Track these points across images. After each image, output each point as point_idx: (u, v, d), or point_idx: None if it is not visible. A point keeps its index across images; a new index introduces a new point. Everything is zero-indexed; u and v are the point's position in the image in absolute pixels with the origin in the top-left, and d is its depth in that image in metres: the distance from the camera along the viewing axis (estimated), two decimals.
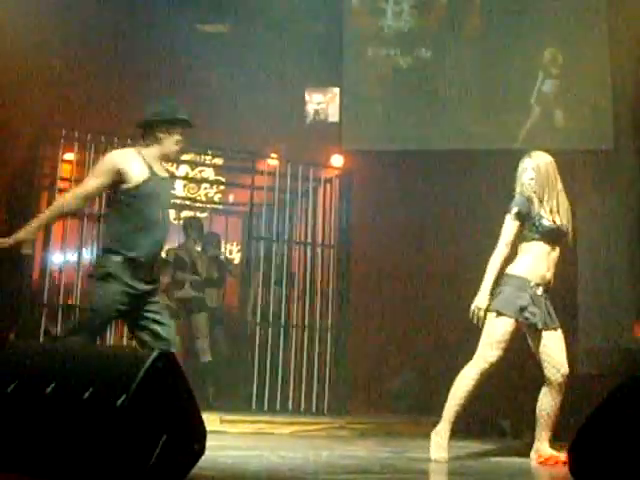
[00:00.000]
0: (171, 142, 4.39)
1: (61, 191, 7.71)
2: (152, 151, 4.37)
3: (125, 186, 4.21)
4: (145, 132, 4.42)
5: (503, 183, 7.58)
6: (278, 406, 7.43)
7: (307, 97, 9.86)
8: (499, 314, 4.52)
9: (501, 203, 7.15)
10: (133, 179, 4.21)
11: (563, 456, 3.85)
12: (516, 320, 4.51)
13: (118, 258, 4.15)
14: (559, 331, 4.65)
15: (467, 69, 8.05)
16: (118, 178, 4.21)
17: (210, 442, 3.30)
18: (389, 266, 8.60)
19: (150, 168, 4.29)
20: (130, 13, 8.39)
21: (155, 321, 4.20)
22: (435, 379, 8.04)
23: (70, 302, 7.33)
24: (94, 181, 4.26)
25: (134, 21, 8.49)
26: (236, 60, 9.00)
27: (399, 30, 8.32)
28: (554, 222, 4.69)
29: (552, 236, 4.67)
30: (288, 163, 8.15)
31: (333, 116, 9.67)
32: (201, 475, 3.14)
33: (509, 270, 4.64)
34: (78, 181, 7.52)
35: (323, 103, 9.88)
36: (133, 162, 4.27)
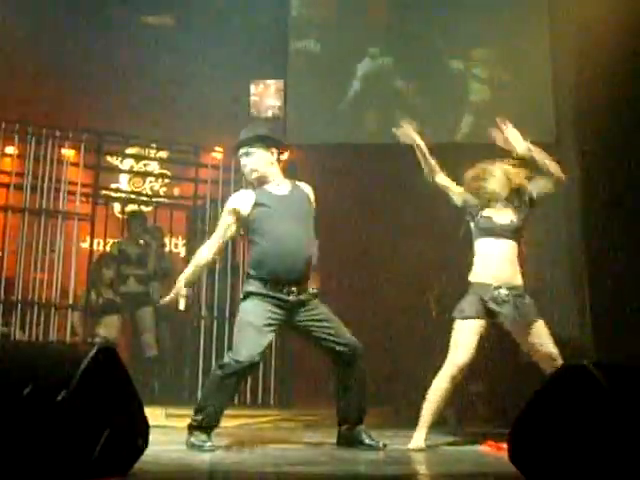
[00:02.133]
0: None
1: (1, 185, 7.61)
2: None
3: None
4: None
5: (449, 175, 7.72)
6: None
7: (252, 89, 9.84)
8: (463, 318, 4.62)
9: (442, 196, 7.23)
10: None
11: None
12: (479, 320, 4.61)
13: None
14: (539, 322, 4.69)
15: (411, 63, 8.09)
16: None
17: (155, 436, 3.29)
18: (337, 258, 8.62)
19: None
20: (72, 6, 8.27)
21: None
22: (382, 370, 8.10)
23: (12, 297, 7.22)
24: None
25: (76, 14, 8.37)
26: (180, 52, 8.93)
27: (344, 23, 8.33)
28: (490, 217, 4.76)
29: (492, 233, 4.75)
30: (232, 156, 8.12)
31: (278, 109, 9.66)
32: (144, 470, 3.12)
33: (470, 277, 4.76)
34: (19, 174, 7.46)
35: (268, 96, 9.86)
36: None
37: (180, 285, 4.83)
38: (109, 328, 7.76)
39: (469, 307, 4.64)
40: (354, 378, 4.68)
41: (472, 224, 4.84)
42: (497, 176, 4.87)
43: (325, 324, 4.66)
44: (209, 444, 4.46)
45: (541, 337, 4.67)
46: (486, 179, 4.89)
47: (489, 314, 4.63)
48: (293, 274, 4.63)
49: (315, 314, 4.68)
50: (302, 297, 4.63)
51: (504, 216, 4.81)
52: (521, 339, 4.72)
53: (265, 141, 4.78)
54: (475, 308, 4.62)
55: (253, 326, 4.54)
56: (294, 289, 4.62)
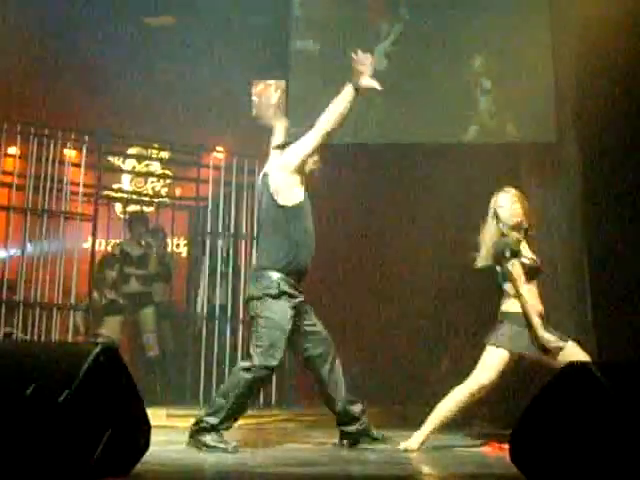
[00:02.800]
0: None
1: (4, 185, 7.62)
2: None
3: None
4: None
5: (448, 177, 7.73)
6: None
7: (253, 90, 9.83)
8: (498, 346, 4.63)
9: (445, 195, 7.26)
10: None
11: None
12: (511, 352, 4.62)
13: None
14: (569, 344, 4.64)
15: (413, 63, 8.07)
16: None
17: (156, 437, 3.30)
18: (337, 259, 8.62)
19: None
20: (73, 6, 8.27)
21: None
22: (382, 370, 8.12)
23: (14, 298, 7.22)
24: None
25: (78, 14, 8.37)
26: (182, 53, 8.94)
27: (346, 22, 8.32)
28: (534, 259, 4.76)
29: (532, 273, 4.75)
30: (234, 156, 8.13)
31: (279, 109, 9.66)
32: (146, 470, 3.13)
33: (506, 308, 4.74)
34: (21, 175, 7.47)
35: (269, 96, 9.85)
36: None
37: None
38: (111, 329, 7.77)
39: (508, 339, 4.64)
40: (334, 360, 4.78)
41: (513, 263, 4.72)
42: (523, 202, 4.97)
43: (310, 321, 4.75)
44: (234, 444, 4.42)
45: (578, 355, 4.61)
46: (519, 205, 4.94)
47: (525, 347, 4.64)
48: (307, 272, 4.66)
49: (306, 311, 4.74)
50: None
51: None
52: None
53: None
54: (513, 342, 4.63)
55: (283, 330, 4.52)
56: (301, 288, 4.66)
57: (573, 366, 2.78)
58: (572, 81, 7.64)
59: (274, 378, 7.54)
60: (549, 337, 4.55)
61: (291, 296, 4.56)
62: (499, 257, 4.73)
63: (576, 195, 7.55)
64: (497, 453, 4.46)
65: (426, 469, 3.93)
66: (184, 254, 9.97)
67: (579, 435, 2.64)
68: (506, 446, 4.31)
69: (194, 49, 8.78)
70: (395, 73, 7.96)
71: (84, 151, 7.66)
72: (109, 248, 8.87)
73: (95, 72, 8.84)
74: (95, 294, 7.70)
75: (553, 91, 7.66)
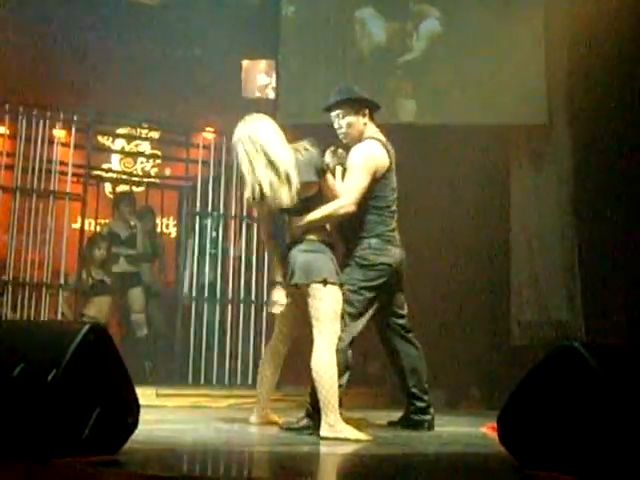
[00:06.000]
0: None
1: None
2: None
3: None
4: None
5: (439, 157, 7.73)
6: (215, 380, 7.44)
7: (243, 69, 9.81)
8: None
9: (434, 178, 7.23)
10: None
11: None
12: None
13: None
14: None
15: (404, 43, 8.05)
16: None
17: (146, 416, 3.30)
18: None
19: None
20: None
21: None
22: (368, 351, 8.13)
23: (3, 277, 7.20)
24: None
25: None
26: (172, 32, 8.88)
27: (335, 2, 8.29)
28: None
29: None
30: (224, 136, 8.10)
31: (269, 89, 9.64)
32: (135, 448, 3.13)
33: None
34: (10, 155, 7.43)
35: (258, 75, 9.84)
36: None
37: None
38: (100, 309, 7.75)
39: None
40: None
41: None
42: None
43: None
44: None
45: None
46: None
47: None
48: None
49: None
50: None
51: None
52: None
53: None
54: None
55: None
56: None
57: (562, 347, 2.78)
58: (564, 63, 7.63)
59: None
60: None
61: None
62: None
63: (567, 177, 7.56)
64: (492, 434, 4.48)
65: (419, 449, 3.93)
66: (173, 234, 9.95)
67: (567, 416, 2.65)
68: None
69: (184, 28, 8.73)
70: (386, 55, 7.96)
71: (73, 131, 7.62)
72: (98, 228, 8.84)
73: (84, 51, 8.79)
74: (83, 274, 7.68)
75: (545, 73, 7.66)
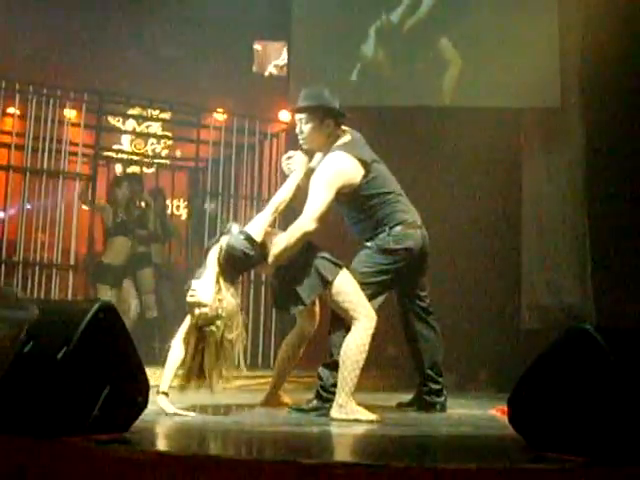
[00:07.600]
0: None
1: (3, 145, 7.58)
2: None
3: None
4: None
5: (451, 139, 7.69)
6: None
7: (255, 50, 9.78)
8: None
9: (446, 160, 7.20)
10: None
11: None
12: None
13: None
14: None
15: (415, 25, 8.00)
16: None
17: (155, 396, 3.30)
18: (336, 220, 8.59)
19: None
20: None
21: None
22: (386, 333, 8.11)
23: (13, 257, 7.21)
24: None
25: None
26: (183, 12, 8.86)
27: None
28: None
29: None
30: (234, 117, 8.09)
31: (281, 70, 9.61)
32: (145, 428, 3.13)
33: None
34: (20, 135, 7.42)
35: (272, 56, 9.80)
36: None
37: None
38: (120, 250, 7.75)
39: None
40: None
41: None
42: None
43: None
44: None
45: None
46: None
47: None
48: None
49: None
50: None
51: None
52: None
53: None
54: None
55: None
56: None
57: (574, 329, 2.77)
58: (578, 47, 7.58)
59: (272, 340, 7.58)
60: None
61: None
62: None
63: (579, 160, 7.51)
64: (502, 417, 4.46)
65: (428, 430, 3.93)
66: (184, 216, 9.95)
67: (578, 398, 2.64)
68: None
69: (195, 8, 8.69)
70: (400, 38, 7.92)
71: (84, 111, 7.61)
72: None
73: (94, 32, 8.77)
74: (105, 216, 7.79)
75: (558, 57, 7.61)
